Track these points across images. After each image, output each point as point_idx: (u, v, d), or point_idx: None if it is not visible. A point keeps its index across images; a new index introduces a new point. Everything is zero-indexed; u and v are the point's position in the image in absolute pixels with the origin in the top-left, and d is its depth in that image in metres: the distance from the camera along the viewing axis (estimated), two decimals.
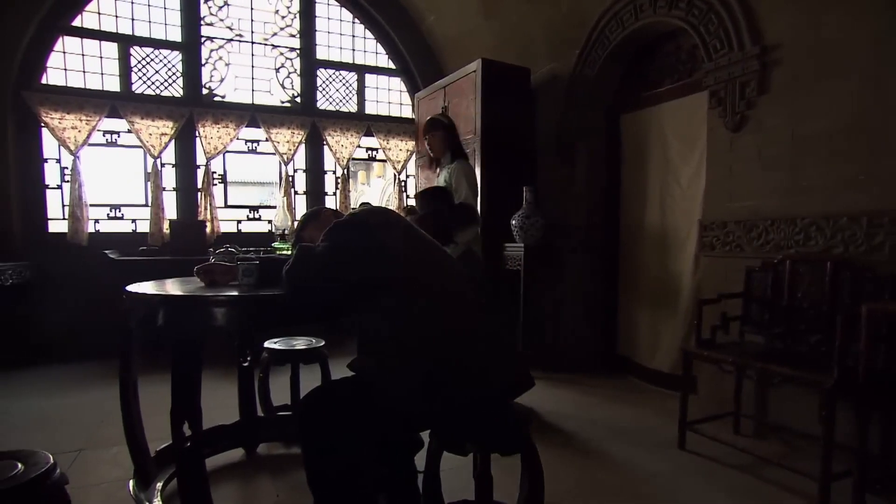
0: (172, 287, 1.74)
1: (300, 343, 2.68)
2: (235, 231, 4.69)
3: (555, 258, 3.91)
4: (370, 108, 5.20)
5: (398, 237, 1.48)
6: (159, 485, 1.98)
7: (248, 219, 4.80)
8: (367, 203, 2.15)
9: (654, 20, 3.21)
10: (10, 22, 3.90)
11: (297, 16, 4.88)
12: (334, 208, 2.42)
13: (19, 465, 1.18)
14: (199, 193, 4.50)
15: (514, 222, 3.64)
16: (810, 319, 2.34)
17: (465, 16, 4.61)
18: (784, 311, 2.44)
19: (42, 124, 4.04)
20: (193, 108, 4.42)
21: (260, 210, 4.86)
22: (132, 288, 1.72)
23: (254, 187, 11.49)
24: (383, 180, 12.26)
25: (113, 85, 4.32)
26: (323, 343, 2.67)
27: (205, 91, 4.58)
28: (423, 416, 1.42)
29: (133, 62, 4.37)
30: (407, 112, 5.32)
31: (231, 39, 4.67)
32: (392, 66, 5.28)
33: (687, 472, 2.27)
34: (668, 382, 3.35)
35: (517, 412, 1.57)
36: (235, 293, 1.53)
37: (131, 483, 2.00)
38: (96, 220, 4.28)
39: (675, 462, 2.36)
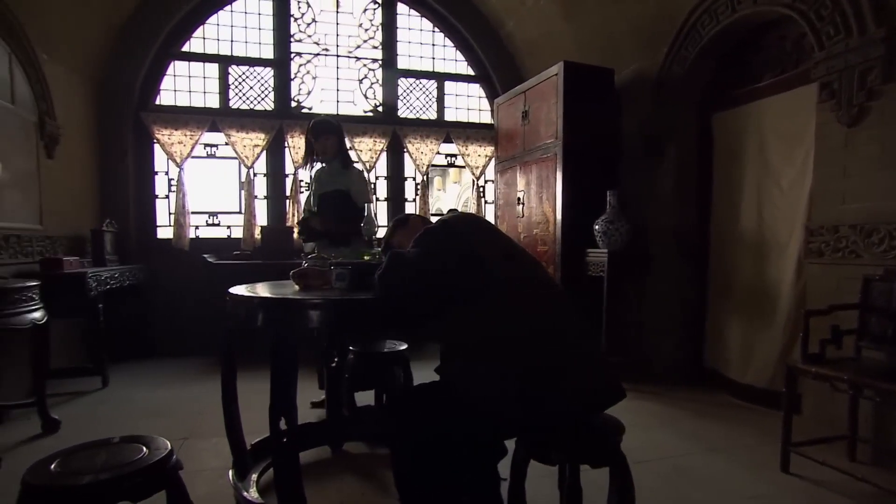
0: (268, 290, 1.84)
1: (384, 346, 2.75)
2: None
3: (640, 265, 3.76)
4: (449, 115, 5.27)
5: (488, 242, 1.48)
6: (255, 476, 2.10)
7: None
8: (455, 210, 2.17)
9: (752, 11, 3.00)
10: (135, 52, 4.37)
11: (380, 28, 5.04)
12: (422, 215, 2.46)
13: (144, 449, 1.30)
14: (288, 201, 4.76)
15: (597, 227, 3.54)
16: None
17: (545, 19, 4.56)
18: None
19: (154, 141, 4.46)
20: (283, 120, 4.69)
21: None
22: (234, 290, 1.84)
23: None
24: (459, 186, 12.37)
25: (213, 102, 4.68)
26: (405, 346, 2.73)
27: (293, 104, 4.85)
28: (512, 422, 1.41)
29: (231, 80, 4.71)
30: (486, 118, 5.33)
31: (318, 54, 4.91)
32: (471, 72, 5.32)
33: (794, 497, 2.09)
34: (763, 399, 3.11)
35: (607, 423, 1.52)
36: (329, 297, 1.59)
37: (231, 473, 2.14)
38: (196, 227, 4.64)
39: (778, 485, 2.18)
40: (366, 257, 1.88)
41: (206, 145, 4.65)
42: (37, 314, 2.56)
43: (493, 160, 5.08)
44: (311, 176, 3.17)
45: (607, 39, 4.03)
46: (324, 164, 3.08)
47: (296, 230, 4.42)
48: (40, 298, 2.61)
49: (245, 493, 1.91)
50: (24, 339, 2.77)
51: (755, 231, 3.25)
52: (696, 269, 3.69)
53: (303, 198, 4.76)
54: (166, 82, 4.59)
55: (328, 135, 2.98)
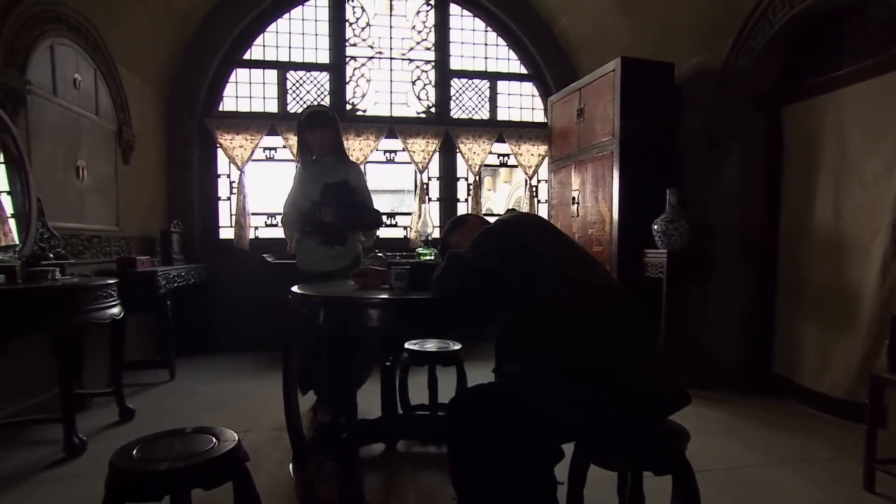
0: (326, 289, 1.88)
1: (438, 345, 2.76)
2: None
3: (702, 266, 3.60)
4: (502, 115, 5.24)
5: (547, 241, 1.46)
6: (314, 469, 2.16)
7: (386, 225, 5.07)
8: (514, 210, 2.15)
9: None
10: (200, 63, 4.61)
11: (433, 29, 5.07)
12: (479, 215, 2.42)
13: (214, 440, 1.35)
14: None
15: (655, 227, 3.42)
16: None
17: (601, 13, 4.45)
18: None
19: (217, 145, 4.66)
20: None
21: (396, 217, 5.12)
22: (296, 289, 1.89)
23: (386, 195, 12.15)
24: (510, 186, 12.29)
25: (272, 107, 4.85)
26: (460, 346, 2.73)
27: (348, 107, 4.95)
28: (572, 425, 1.38)
29: (289, 85, 4.87)
30: (539, 117, 5.27)
31: (372, 57, 5.00)
32: (524, 71, 5.27)
33: None
34: (840, 410, 2.90)
35: (671, 429, 1.46)
36: (388, 296, 1.61)
37: (291, 465, 2.20)
38: (256, 228, 4.81)
39: None
40: (424, 257, 1.89)
41: (265, 148, 4.82)
42: (115, 310, 2.72)
43: (546, 159, 5.00)
44: (298, 171, 2.90)
45: (667, 33, 3.89)
46: (313, 158, 2.85)
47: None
48: (118, 295, 2.78)
49: (305, 485, 1.97)
50: (104, 333, 2.96)
51: (832, 230, 3.04)
52: (762, 270, 3.50)
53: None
54: (228, 89, 4.79)
55: (326, 127, 2.76)
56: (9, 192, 2.71)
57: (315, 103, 4.89)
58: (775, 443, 2.61)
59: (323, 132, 2.75)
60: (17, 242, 2.69)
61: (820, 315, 3.12)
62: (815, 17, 3.05)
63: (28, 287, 2.33)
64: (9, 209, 2.70)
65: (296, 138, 4.53)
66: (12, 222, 2.71)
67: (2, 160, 2.66)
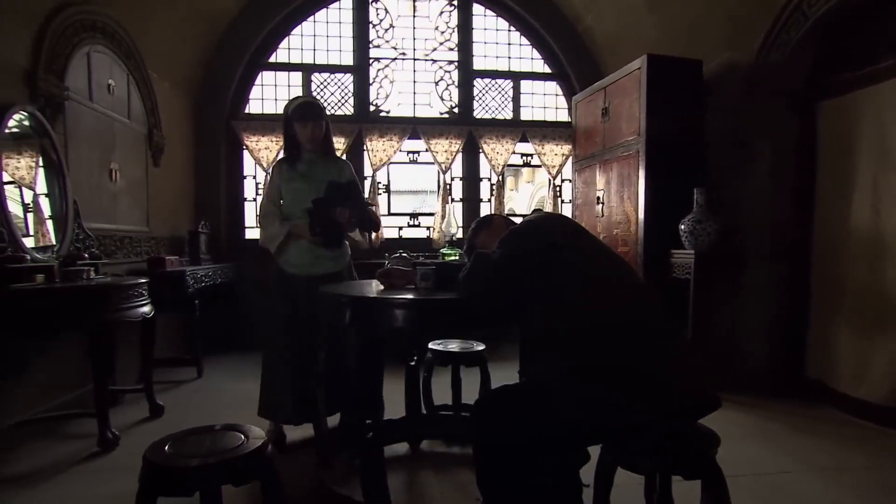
0: (352, 288, 1.89)
1: (462, 346, 2.76)
2: (397, 237, 5.01)
3: (730, 267, 3.52)
4: (525, 115, 5.21)
5: (573, 241, 1.44)
6: (339, 467, 2.18)
7: (409, 225, 5.09)
8: (540, 210, 2.14)
9: None
10: (227, 66, 4.69)
11: (456, 30, 5.08)
12: (504, 215, 2.33)
13: (242, 437, 1.37)
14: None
15: (682, 227, 3.36)
16: None
17: (627, 11, 4.39)
18: None
19: (243, 147, 4.74)
20: (362, 124, 4.83)
21: (419, 217, 5.14)
22: (323, 289, 1.91)
23: (408, 195, 12.19)
24: (532, 185, 12.22)
25: None
26: (483, 347, 2.72)
27: (372, 108, 4.98)
28: (600, 427, 1.36)
29: (313, 87, 4.93)
30: (563, 116, 5.22)
31: (395, 58, 5.02)
32: (548, 70, 5.24)
33: None
34: (881, 416, 2.80)
35: (701, 433, 1.43)
36: (414, 296, 1.61)
37: (316, 464, 2.22)
38: None
39: None
40: (449, 258, 1.89)
41: None
42: (146, 308, 2.79)
43: (570, 159, 4.96)
44: (282, 168, 2.60)
45: (694, 29, 3.82)
46: (297, 153, 2.59)
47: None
48: (148, 294, 2.85)
49: (330, 484, 1.99)
50: (135, 330, 3.04)
51: (871, 229, 2.94)
52: (794, 271, 3.40)
53: (380, 199, 4.88)
54: (254, 92, 4.87)
55: (318, 120, 2.54)
56: (47, 195, 2.80)
57: (339, 104, 4.94)
58: (810, 449, 2.53)
59: (315, 125, 2.53)
60: (55, 243, 2.78)
61: (857, 317, 3.02)
62: (852, 9, 2.95)
63: (65, 286, 2.41)
64: (46, 211, 2.79)
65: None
66: (49, 223, 2.80)
67: (41, 164, 2.75)
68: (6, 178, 2.51)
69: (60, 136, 2.85)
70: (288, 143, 2.59)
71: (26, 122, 2.63)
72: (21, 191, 2.64)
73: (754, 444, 2.57)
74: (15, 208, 2.54)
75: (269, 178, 2.59)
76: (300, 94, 4.90)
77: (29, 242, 2.60)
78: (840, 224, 3.13)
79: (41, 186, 2.77)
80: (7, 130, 2.50)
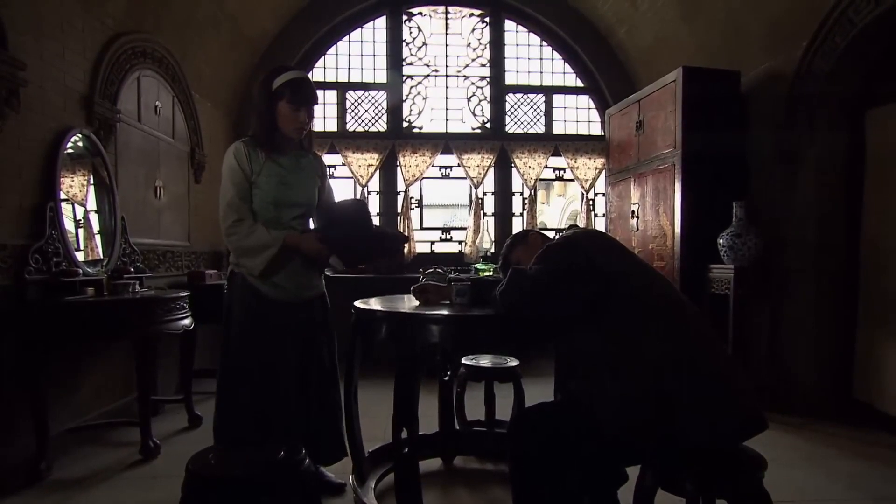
0: (385, 304, 1.91)
1: (494, 361, 2.74)
2: (429, 251, 5.03)
3: (772, 282, 3.41)
4: (557, 129, 5.20)
5: (612, 257, 1.43)
6: (373, 483, 2.18)
7: (441, 240, 5.12)
8: (576, 225, 2.12)
9: None
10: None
11: (488, 46, 5.12)
12: (539, 231, 2.25)
13: (281, 451, 1.39)
14: (399, 217, 4.95)
15: (721, 241, 3.28)
16: None
17: (661, 23, 4.35)
18: None
19: None
20: (395, 140, 4.90)
21: (451, 231, 5.16)
22: (359, 304, 1.93)
23: (439, 210, 12.27)
24: (563, 199, 12.14)
25: (331, 126, 5.02)
26: (517, 363, 2.70)
27: (405, 124, 5.06)
28: (640, 448, 1.33)
29: (348, 104, 5.04)
30: (595, 130, 5.19)
31: (428, 75, 5.10)
32: (580, 84, 5.22)
33: None
34: None
35: (747, 455, 1.38)
36: (451, 312, 1.61)
37: (351, 478, 2.23)
38: None
39: None
40: (483, 273, 1.89)
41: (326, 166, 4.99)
42: (187, 321, 2.88)
43: (603, 172, 4.92)
44: (257, 154, 2.04)
45: (732, 39, 3.75)
46: (276, 141, 2.06)
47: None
48: (188, 307, 2.93)
49: (364, 499, 1.99)
50: (175, 342, 3.13)
51: None
52: (841, 287, 3.26)
53: (413, 213, 4.92)
54: None
55: (314, 106, 2.08)
56: (96, 211, 2.93)
57: (373, 121, 5.02)
58: (865, 475, 2.40)
59: (309, 111, 2.04)
60: (102, 257, 2.90)
61: None
62: None
63: (113, 299, 2.51)
64: (95, 226, 2.92)
65: (358, 157, 4.75)
66: (98, 238, 2.93)
67: (92, 182, 2.89)
68: (62, 195, 2.64)
69: (111, 155, 2.99)
70: (267, 125, 2.01)
71: (80, 144, 2.77)
72: (73, 207, 2.78)
73: (805, 469, 2.46)
74: (68, 224, 2.66)
75: (228, 163, 2.04)
76: (335, 111, 5.00)
77: (79, 256, 2.72)
78: (890, 239, 3.00)
79: (91, 203, 2.90)
80: (65, 152, 2.64)
